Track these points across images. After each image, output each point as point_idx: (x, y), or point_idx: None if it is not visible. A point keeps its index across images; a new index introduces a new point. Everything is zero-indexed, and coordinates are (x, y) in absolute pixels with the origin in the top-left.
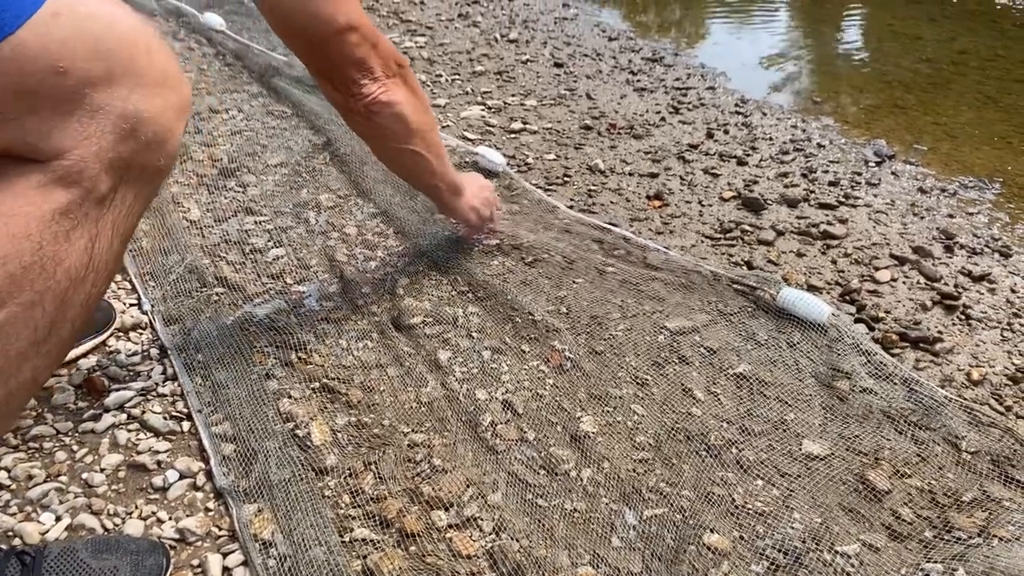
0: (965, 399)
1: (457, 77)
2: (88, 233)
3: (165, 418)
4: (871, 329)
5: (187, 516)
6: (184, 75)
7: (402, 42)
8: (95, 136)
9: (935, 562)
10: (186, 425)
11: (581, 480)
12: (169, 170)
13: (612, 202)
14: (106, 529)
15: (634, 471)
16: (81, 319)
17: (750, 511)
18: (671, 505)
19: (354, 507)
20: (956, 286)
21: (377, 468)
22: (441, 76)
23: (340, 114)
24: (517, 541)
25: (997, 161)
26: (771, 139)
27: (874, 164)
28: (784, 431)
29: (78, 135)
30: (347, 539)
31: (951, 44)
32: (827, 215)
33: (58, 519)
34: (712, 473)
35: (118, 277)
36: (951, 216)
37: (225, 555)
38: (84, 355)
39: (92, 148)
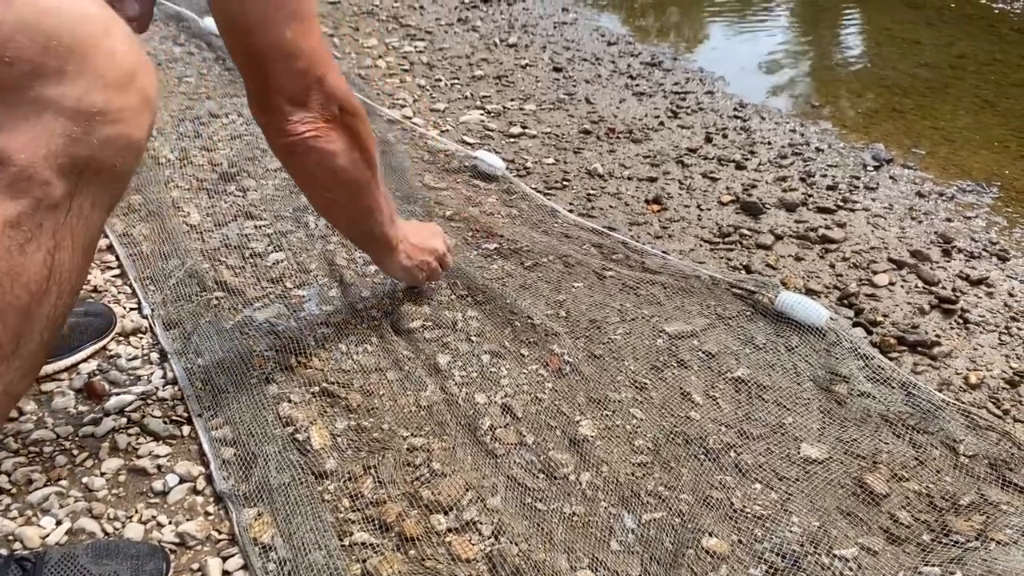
0: (963, 403)
1: (456, 81)
2: (44, 246)
3: (165, 422)
4: (869, 333)
5: (187, 520)
6: (153, 78)
7: (401, 47)
8: (44, 137)
9: (933, 565)
10: (186, 429)
11: (580, 484)
12: (129, 176)
13: (611, 206)
14: (106, 533)
15: (633, 475)
16: (51, 331)
17: (748, 515)
18: (670, 509)
19: (353, 511)
20: (954, 290)
21: (376, 472)
22: (440, 80)
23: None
24: (516, 545)
25: (995, 165)
26: (769, 143)
27: (872, 168)
28: (782, 435)
29: (25, 135)
30: (346, 543)
31: (949, 48)
32: (825, 219)
33: (58, 523)
34: (710, 477)
35: (118, 281)
36: (949, 220)
37: (225, 559)
38: (85, 359)
39: (41, 151)
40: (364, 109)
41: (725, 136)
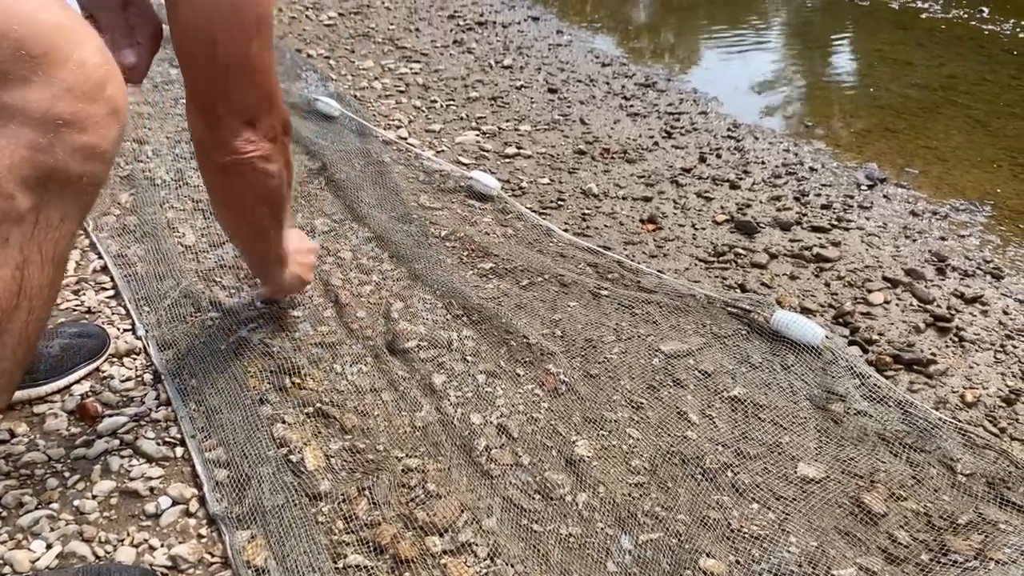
0: (959, 421)
1: (452, 103)
2: (12, 260)
3: (158, 444)
4: (865, 351)
5: (179, 543)
6: (123, 89)
7: (397, 68)
8: (7, 148)
9: None
10: (179, 451)
11: (576, 505)
12: (98, 187)
13: (606, 226)
14: (97, 557)
15: (629, 495)
16: (24, 348)
17: (746, 535)
18: (667, 529)
19: (348, 533)
20: (949, 308)
21: (371, 494)
22: (436, 102)
23: (196, 152)
24: (512, 567)
25: (987, 184)
26: (763, 163)
27: (866, 187)
28: (779, 454)
29: None
30: (341, 565)
31: (940, 69)
32: (820, 238)
33: (49, 547)
34: (708, 497)
35: (112, 302)
36: (943, 239)
37: None
38: (77, 381)
39: (4, 162)
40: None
41: (719, 156)
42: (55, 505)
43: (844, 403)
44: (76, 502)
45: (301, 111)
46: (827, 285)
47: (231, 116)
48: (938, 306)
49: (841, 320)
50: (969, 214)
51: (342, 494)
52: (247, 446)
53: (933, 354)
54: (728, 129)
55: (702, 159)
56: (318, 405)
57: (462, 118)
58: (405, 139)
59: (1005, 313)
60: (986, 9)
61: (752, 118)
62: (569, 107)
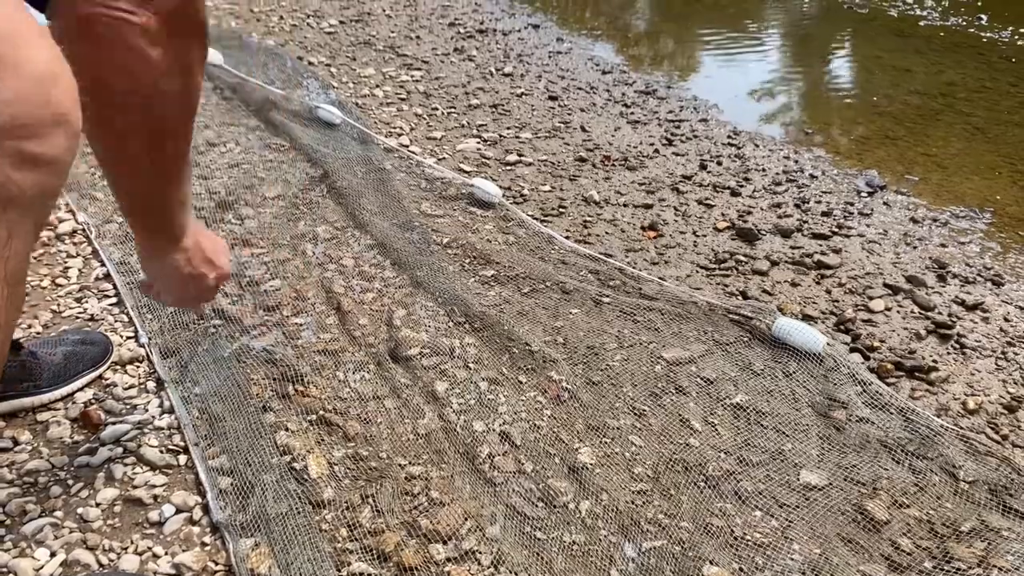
0: (961, 428)
1: (453, 110)
2: None
3: (161, 451)
4: (866, 358)
5: (183, 551)
6: (72, 92)
7: (399, 76)
8: None
9: None
10: (183, 458)
11: (579, 512)
12: (51, 198)
13: (607, 233)
14: (101, 565)
15: (632, 503)
16: None
17: (749, 542)
18: (670, 537)
19: (352, 540)
20: (950, 315)
21: (375, 501)
22: (437, 109)
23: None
24: (516, 574)
25: (987, 191)
26: (764, 170)
27: (866, 194)
28: (782, 461)
29: None
30: (345, 573)
31: (939, 76)
32: (821, 245)
33: (53, 555)
34: (710, 504)
35: (115, 310)
36: (943, 245)
37: None
38: (81, 388)
39: None
40: (207, 40)
41: (719, 163)
42: (59, 513)
43: (846, 410)
44: (80, 510)
45: (303, 118)
46: (828, 292)
47: None
48: (939, 313)
49: (842, 327)
50: (969, 221)
51: (346, 502)
52: (250, 454)
53: (934, 361)
54: (728, 136)
55: (703, 166)
56: (321, 413)
57: (463, 125)
58: (406, 146)
59: (1006, 320)
60: (984, 17)
61: (752, 125)
62: (570, 114)
